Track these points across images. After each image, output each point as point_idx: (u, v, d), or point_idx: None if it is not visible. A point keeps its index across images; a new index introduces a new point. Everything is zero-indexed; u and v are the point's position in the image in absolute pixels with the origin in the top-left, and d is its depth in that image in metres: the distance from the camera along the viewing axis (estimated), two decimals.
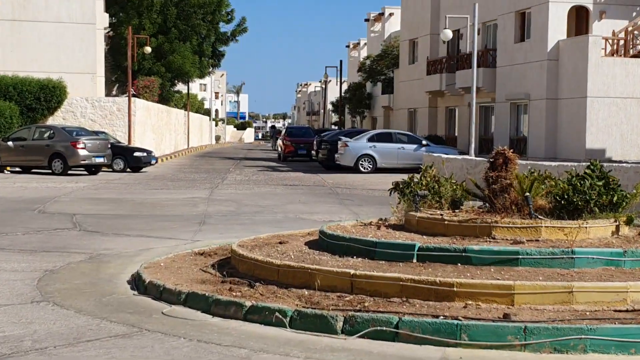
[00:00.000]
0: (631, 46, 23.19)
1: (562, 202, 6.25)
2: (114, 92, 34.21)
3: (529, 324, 4.42)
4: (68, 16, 26.64)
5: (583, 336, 4.33)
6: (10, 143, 20.70)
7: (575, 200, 6.20)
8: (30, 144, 20.62)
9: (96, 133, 22.32)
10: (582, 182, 6.28)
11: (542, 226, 5.94)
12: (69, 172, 20.50)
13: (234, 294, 5.40)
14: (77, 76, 26.58)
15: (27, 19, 26.44)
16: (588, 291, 4.92)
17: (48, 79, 24.83)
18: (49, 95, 24.60)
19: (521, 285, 4.91)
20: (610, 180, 6.34)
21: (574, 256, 5.47)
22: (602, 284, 5.02)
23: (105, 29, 30.65)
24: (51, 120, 25.11)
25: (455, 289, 4.94)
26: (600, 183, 6.27)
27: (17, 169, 21.23)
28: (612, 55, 23.03)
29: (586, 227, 5.99)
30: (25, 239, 8.77)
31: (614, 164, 12.02)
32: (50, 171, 20.43)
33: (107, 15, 30.91)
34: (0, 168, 20.58)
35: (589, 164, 6.59)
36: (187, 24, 34.63)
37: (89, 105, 26.29)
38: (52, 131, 20.86)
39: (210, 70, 39.56)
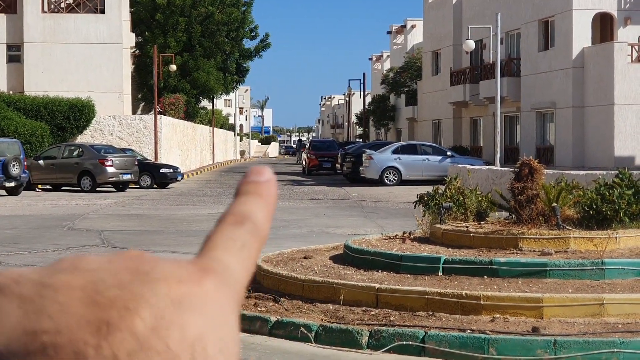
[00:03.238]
0: None
1: (591, 212, 6.14)
2: (140, 110, 34.78)
3: (558, 338, 4.33)
4: (96, 37, 27.23)
5: (615, 350, 4.23)
6: (41, 162, 21.15)
7: (604, 209, 6.09)
8: (60, 162, 21.03)
9: (123, 150, 22.66)
10: (610, 191, 6.17)
11: (570, 237, 5.84)
12: (98, 189, 20.83)
13: (259, 309, 5.41)
14: (105, 95, 27.09)
15: (57, 41, 27.09)
16: (620, 303, 4.81)
17: (77, 98, 25.35)
18: (78, 114, 25.10)
19: (550, 298, 4.82)
20: None
21: (604, 267, 5.36)
22: (634, 295, 4.90)
23: (131, 48, 31.23)
24: (80, 139, 25.59)
25: (482, 302, 4.87)
26: (629, 192, 6.15)
27: (48, 187, 21.65)
28: (639, 61, 22.67)
29: (616, 237, 5.87)
30: (55, 256, 8.91)
31: None
32: (79, 188, 20.78)
33: (133, 35, 31.50)
34: (31, 186, 21.02)
35: (617, 172, 6.47)
36: (212, 41, 35.09)
37: (117, 123, 26.74)
38: (80, 149, 21.26)
39: (235, 86, 39.95)
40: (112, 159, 20.65)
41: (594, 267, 5.35)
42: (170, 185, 23.14)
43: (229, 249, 0.30)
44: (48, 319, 0.25)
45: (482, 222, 6.70)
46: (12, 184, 19.19)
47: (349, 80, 56.18)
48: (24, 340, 0.25)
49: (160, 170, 22.74)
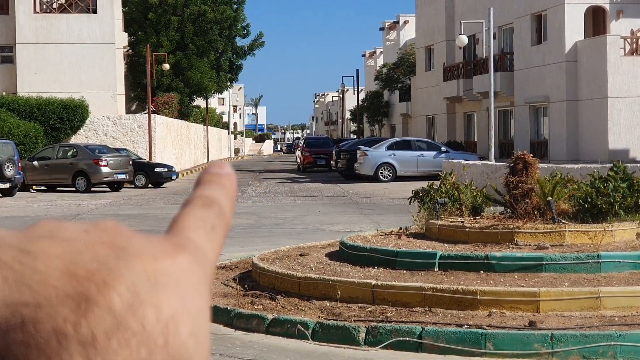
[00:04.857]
0: None
1: (586, 205, 6.16)
2: (133, 109, 34.68)
3: (555, 332, 4.34)
4: (88, 37, 27.12)
5: (612, 343, 4.24)
6: (35, 162, 21.07)
7: (599, 203, 6.10)
8: (55, 163, 20.95)
9: (118, 150, 22.60)
10: (605, 184, 6.18)
11: (565, 230, 5.85)
12: (92, 189, 20.77)
13: (256, 307, 5.40)
14: (98, 95, 26.99)
15: (49, 41, 26.96)
16: (616, 296, 4.83)
17: (70, 98, 25.25)
18: (72, 114, 25.00)
19: (546, 292, 4.83)
20: (635, 181, 6.23)
21: (600, 260, 5.37)
22: (630, 288, 4.92)
23: (124, 47, 31.12)
24: (74, 139, 25.49)
25: (478, 297, 4.88)
26: (624, 185, 6.17)
27: (43, 188, 21.58)
28: (632, 54, 22.73)
29: (611, 231, 5.88)
30: None
31: (639, 165, 11.82)
32: (74, 189, 20.72)
33: (125, 34, 31.39)
34: (26, 187, 20.93)
35: (612, 165, 6.48)
36: (204, 40, 35.01)
37: (110, 123, 26.65)
38: (75, 150, 21.19)
39: (228, 84, 39.89)
40: (107, 158, 20.58)
41: (590, 261, 5.36)
42: (165, 185, 23.08)
43: (199, 230, 0.30)
44: (28, 290, 0.24)
45: (477, 217, 6.70)
46: (7, 185, 19.10)
47: (343, 77, 56.30)
48: (4, 313, 0.24)
49: (155, 170, 22.67)
